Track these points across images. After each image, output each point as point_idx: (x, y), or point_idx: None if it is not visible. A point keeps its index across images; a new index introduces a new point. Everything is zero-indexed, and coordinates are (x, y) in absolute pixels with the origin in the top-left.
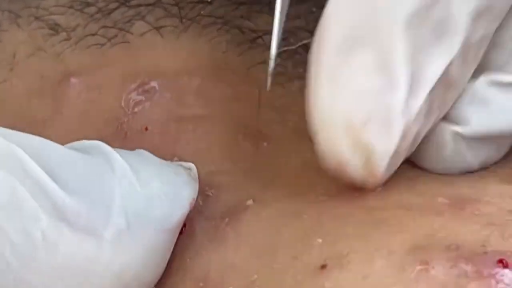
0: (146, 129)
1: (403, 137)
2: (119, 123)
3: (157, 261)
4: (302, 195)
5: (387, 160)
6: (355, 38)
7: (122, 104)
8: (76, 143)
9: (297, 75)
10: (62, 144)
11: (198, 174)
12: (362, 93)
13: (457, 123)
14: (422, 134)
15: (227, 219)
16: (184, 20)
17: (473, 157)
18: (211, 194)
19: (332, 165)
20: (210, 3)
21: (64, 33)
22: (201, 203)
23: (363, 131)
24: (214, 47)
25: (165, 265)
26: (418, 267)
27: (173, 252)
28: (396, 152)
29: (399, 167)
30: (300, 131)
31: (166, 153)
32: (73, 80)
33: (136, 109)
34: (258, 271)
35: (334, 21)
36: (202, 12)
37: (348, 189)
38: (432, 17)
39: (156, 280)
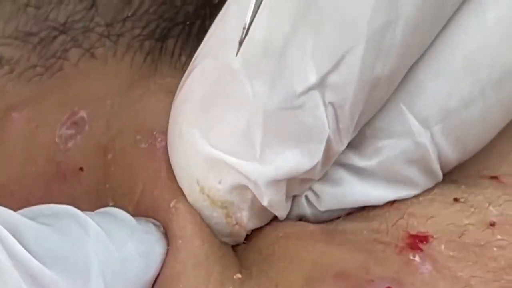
0: (81, 169)
1: (252, 206)
2: (56, 163)
3: None
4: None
5: (248, 217)
6: (212, 107)
7: (56, 140)
8: (45, 208)
9: None
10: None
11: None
12: (216, 158)
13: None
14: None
15: None
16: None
17: (312, 216)
18: None
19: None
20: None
21: (7, 67)
22: None
23: (218, 190)
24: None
25: None
26: None
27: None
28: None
29: None
30: None
31: (103, 196)
32: (14, 114)
33: (69, 144)
34: None
35: (193, 90)
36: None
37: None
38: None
39: None
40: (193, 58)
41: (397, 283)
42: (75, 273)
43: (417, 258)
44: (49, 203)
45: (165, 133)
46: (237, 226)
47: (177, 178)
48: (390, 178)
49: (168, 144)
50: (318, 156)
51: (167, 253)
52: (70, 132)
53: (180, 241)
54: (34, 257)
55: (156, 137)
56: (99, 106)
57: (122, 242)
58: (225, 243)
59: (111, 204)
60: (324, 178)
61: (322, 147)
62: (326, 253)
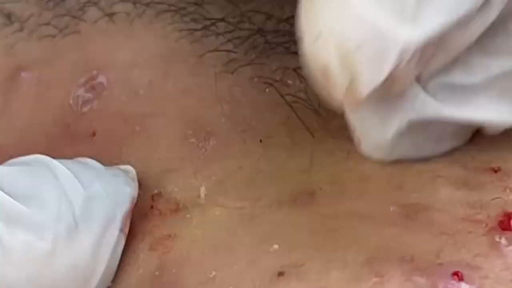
0: (94, 134)
1: (393, 74)
2: (66, 125)
3: (106, 254)
4: (255, 199)
5: (370, 90)
6: None
7: (71, 102)
8: (14, 160)
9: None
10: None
11: (147, 175)
12: (361, 18)
13: None
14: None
15: (180, 214)
16: (137, 6)
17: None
18: (161, 192)
19: (318, 72)
20: None
21: (17, 24)
22: (151, 201)
23: (355, 54)
24: (167, 35)
25: (117, 257)
26: (373, 280)
27: (125, 247)
28: (382, 85)
29: (347, 170)
30: (251, 129)
31: (112, 159)
32: (23, 74)
33: (84, 109)
34: (216, 269)
35: None
36: None
37: (299, 195)
38: None
39: (111, 272)
40: None
41: (471, 268)
42: (46, 207)
43: (503, 240)
44: None
45: None
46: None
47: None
48: (500, 96)
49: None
50: None
51: None
52: (87, 95)
53: None
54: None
55: None
56: (122, 73)
57: (89, 183)
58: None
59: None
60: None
61: None
62: (397, 237)
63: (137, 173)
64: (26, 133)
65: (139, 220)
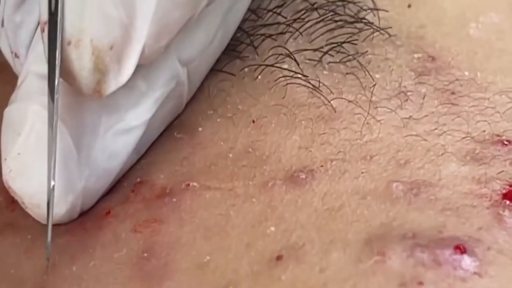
0: None
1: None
2: None
3: None
4: (247, 178)
5: (114, 87)
6: None
7: None
8: None
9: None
10: None
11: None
12: (113, 21)
13: None
14: None
15: (166, 199)
16: None
17: None
18: (143, 180)
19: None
20: None
21: None
22: (133, 190)
23: (106, 54)
24: None
25: None
26: (374, 258)
27: (105, 228)
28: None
29: (351, 147)
30: (242, 113)
31: None
32: None
33: None
34: (210, 253)
35: None
36: None
37: (298, 173)
38: None
39: None
40: None
41: (474, 241)
42: None
43: (506, 213)
44: None
45: None
46: None
47: None
48: None
49: None
50: None
51: None
52: None
53: None
54: None
55: None
56: None
57: None
58: None
59: None
60: None
61: None
62: (400, 215)
63: None
64: None
65: (120, 205)
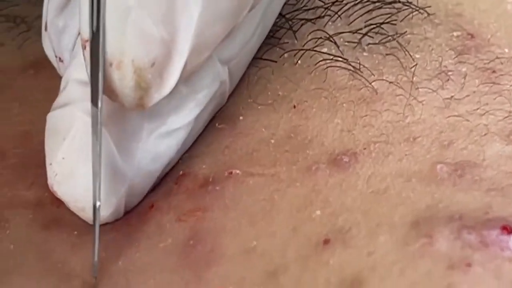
0: None
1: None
2: None
3: None
4: (290, 163)
5: (157, 100)
6: None
7: None
8: None
9: None
10: None
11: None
12: (154, 39)
13: None
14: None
15: (209, 187)
16: None
17: None
18: (186, 173)
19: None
20: None
21: (24, 25)
22: (176, 182)
23: (148, 72)
24: None
25: None
26: (422, 241)
27: (149, 221)
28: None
29: (394, 129)
30: (282, 98)
31: None
32: (31, 71)
33: None
34: (257, 238)
35: None
36: None
37: (341, 156)
38: None
39: None
40: None
41: None
42: None
43: None
44: None
45: None
46: None
47: None
48: None
49: None
50: None
51: None
52: None
53: None
54: None
55: None
56: None
57: None
58: None
59: None
60: None
61: None
62: (445, 196)
63: None
64: (37, 120)
65: (163, 198)
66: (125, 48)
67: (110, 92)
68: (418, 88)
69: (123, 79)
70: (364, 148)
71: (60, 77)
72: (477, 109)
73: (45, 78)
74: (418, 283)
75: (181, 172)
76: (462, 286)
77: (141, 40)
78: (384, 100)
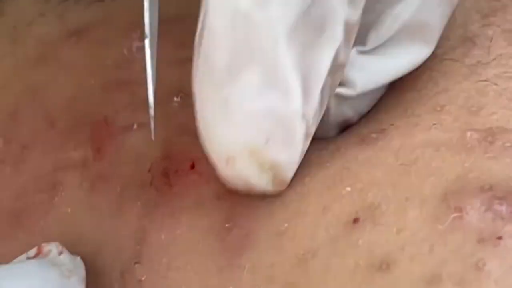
0: None
1: (306, 139)
2: (122, 70)
3: None
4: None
5: (294, 168)
6: (239, 60)
7: (125, 51)
8: None
9: None
10: None
11: None
12: (257, 113)
13: (343, 86)
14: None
15: None
16: None
17: (353, 112)
18: None
19: (239, 187)
20: None
21: None
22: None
23: (266, 151)
24: None
25: None
26: (452, 216)
27: (190, 191)
28: (301, 156)
29: (420, 103)
30: None
31: (169, 91)
32: (74, 39)
33: (137, 56)
34: (288, 220)
35: (214, 46)
36: None
37: (368, 133)
38: (311, 17)
39: None
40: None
41: None
42: None
43: None
44: (108, 108)
45: None
46: None
47: None
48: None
49: None
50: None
51: None
52: (142, 44)
53: None
54: None
55: None
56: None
57: None
58: None
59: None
60: (349, 66)
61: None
62: (475, 165)
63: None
64: (82, 85)
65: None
66: (235, 140)
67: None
68: (442, 56)
69: (241, 174)
70: (391, 124)
71: (101, 42)
72: (505, 72)
73: (88, 45)
74: (447, 260)
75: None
76: (492, 260)
77: (248, 123)
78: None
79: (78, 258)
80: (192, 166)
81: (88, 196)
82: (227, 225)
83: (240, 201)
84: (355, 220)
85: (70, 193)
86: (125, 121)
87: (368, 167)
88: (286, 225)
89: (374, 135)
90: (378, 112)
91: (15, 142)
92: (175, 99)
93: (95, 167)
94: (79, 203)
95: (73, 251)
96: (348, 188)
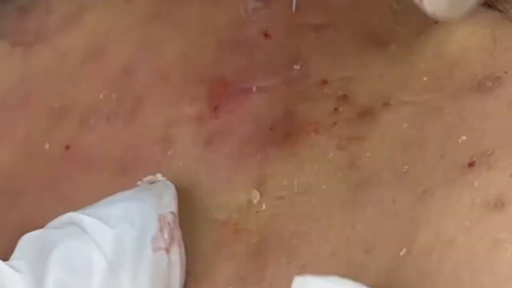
0: (266, 35)
1: None
2: (237, 29)
3: (145, 281)
4: (439, 90)
5: None
6: None
7: (241, 11)
8: (48, 225)
9: None
10: None
11: (331, 79)
12: None
13: None
14: None
15: (366, 117)
16: None
17: None
18: (346, 95)
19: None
20: None
21: None
22: (334, 104)
23: None
24: None
25: (162, 276)
26: None
27: (306, 143)
28: None
29: None
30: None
31: (288, 58)
32: None
33: (254, 17)
34: (408, 163)
35: None
36: None
37: (484, 80)
38: None
39: None
40: None
41: None
42: (79, 269)
43: None
44: (225, 67)
45: None
46: None
47: None
48: None
49: None
50: None
51: None
52: (258, 5)
53: None
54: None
55: None
56: None
57: (116, 221)
58: None
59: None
60: None
61: None
62: None
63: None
64: (196, 43)
65: (324, 122)
66: None
67: None
68: None
69: None
70: (506, 72)
71: (217, 2)
72: None
73: (203, 4)
74: None
75: (340, 93)
76: None
77: None
78: None
79: (168, 181)
80: (313, 130)
81: (203, 151)
82: (347, 170)
83: (361, 149)
84: (471, 164)
85: (184, 147)
86: (244, 82)
87: (482, 117)
88: (406, 167)
89: (489, 84)
90: (491, 54)
91: (129, 96)
92: (295, 66)
93: (211, 124)
94: (192, 157)
95: None
96: (464, 137)
